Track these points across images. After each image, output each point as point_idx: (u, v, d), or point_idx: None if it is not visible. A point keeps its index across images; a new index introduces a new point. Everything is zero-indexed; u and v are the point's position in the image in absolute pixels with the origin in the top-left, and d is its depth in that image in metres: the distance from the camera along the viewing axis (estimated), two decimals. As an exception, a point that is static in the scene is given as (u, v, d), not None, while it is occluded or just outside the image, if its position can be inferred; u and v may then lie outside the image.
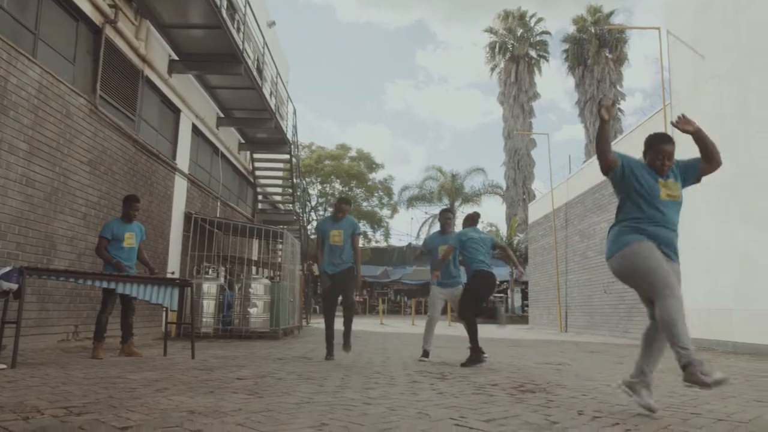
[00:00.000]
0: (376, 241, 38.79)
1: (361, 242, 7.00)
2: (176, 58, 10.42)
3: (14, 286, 5.13)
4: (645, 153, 3.66)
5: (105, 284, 5.96)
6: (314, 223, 34.59)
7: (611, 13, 38.47)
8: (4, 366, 4.81)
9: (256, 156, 16.10)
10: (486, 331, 8.33)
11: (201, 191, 12.12)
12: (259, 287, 10.45)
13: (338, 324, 6.61)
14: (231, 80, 11.50)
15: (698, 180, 3.68)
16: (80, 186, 7.53)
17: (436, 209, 39.50)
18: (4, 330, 5.13)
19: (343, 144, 37.85)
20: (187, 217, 11.09)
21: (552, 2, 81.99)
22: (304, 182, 29.20)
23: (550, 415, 3.37)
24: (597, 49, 37.22)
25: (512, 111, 39.02)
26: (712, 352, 8.83)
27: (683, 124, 3.59)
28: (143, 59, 9.24)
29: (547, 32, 41.33)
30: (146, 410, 3.19)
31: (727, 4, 10.50)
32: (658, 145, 3.58)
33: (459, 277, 6.88)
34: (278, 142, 15.14)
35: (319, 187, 36.47)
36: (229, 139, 14.10)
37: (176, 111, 10.94)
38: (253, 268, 13.38)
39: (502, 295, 31.32)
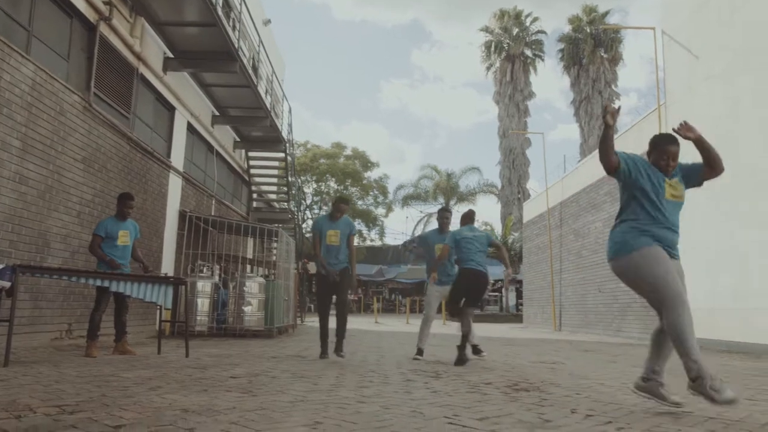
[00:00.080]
0: (371, 240, 38.82)
1: (356, 241, 6.98)
2: (171, 55, 10.38)
3: (7, 284, 5.11)
4: (649, 153, 3.69)
5: (99, 282, 5.93)
6: (309, 222, 34.56)
7: (606, 13, 38.67)
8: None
9: (251, 154, 16.06)
10: (482, 329, 8.36)
11: (196, 189, 12.09)
12: (253, 285, 10.44)
13: (333, 323, 6.62)
14: (226, 78, 11.47)
15: (700, 184, 3.72)
16: (74, 184, 7.50)
17: (431, 208, 39.56)
18: (-4, 328, 5.11)
19: (338, 142, 37.87)
20: (182, 215, 11.07)
21: (548, 2, 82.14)
22: (299, 181, 29.16)
23: (543, 413, 3.38)
24: (592, 49, 37.33)
25: (507, 110, 39.09)
26: (706, 351, 8.87)
27: (684, 130, 3.60)
28: (138, 57, 9.20)
29: (542, 32, 41.43)
30: (139, 409, 3.18)
31: (721, 5, 10.54)
32: (663, 145, 3.61)
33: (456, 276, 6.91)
34: (273, 140, 15.11)
35: (315, 185, 36.43)
36: (224, 137, 14.07)
37: (171, 109, 10.90)
38: (248, 267, 13.35)
39: (497, 293, 31.37)
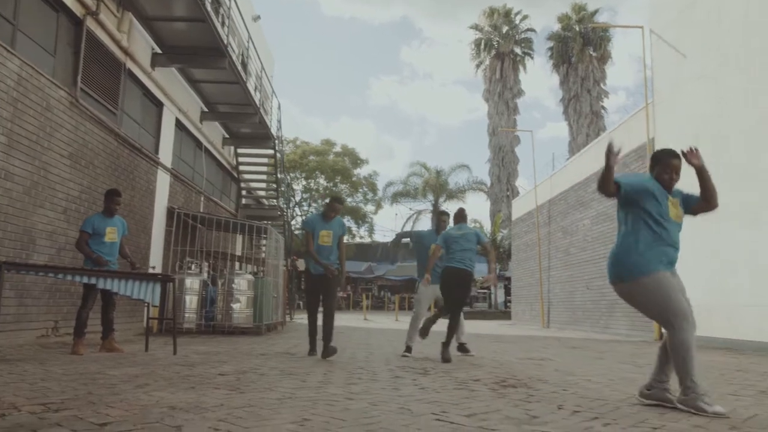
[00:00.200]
0: (361, 237, 38.78)
1: (345, 239, 6.94)
2: (159, 51, 10.30)
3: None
4: (652, 167, 3.73)
5: (85, 279, 5.89)
6: (298, 219, 34.47)
7: (596, 12, 38.84)
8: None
9: (240, 151, 15.99)
10: (471, 326, 8.37)
11: (184, 186, 12.02)
12: (242, 283, 10.41)
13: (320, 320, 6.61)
14: (215, 74, 11.40)
15: (693, 214, 3.75)
16: (60, 180, 7.43)
17: (420, 205, 39.61)
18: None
19: (327, 139, 37.71)
20: (170, 211, 11.00)
21: (537, 0, 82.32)
22: (288, 177, 29.07)
23: (530, 409, 3.40)
24: (581, 47, 37.47)
25: (497, 108, 39.16)
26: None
27: (691, 156, 3.63)
28: (125, 52, 9.12)
29: (532, 30, 41.49)
30: (126, 406, 3.16)
31: (709, 5, 10.63)
32: (666, 159, 3.66)
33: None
34: (262, 137, 15.06)
35: (304, 182, 36.31)
36: (212, 133, 14.00)
37: (159, 105, 10.82)
38: (237, 264, 13.30)
39: (485, 291, 31.49)
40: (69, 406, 3.14)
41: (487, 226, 35.40)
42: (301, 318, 17.76)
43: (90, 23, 8.05)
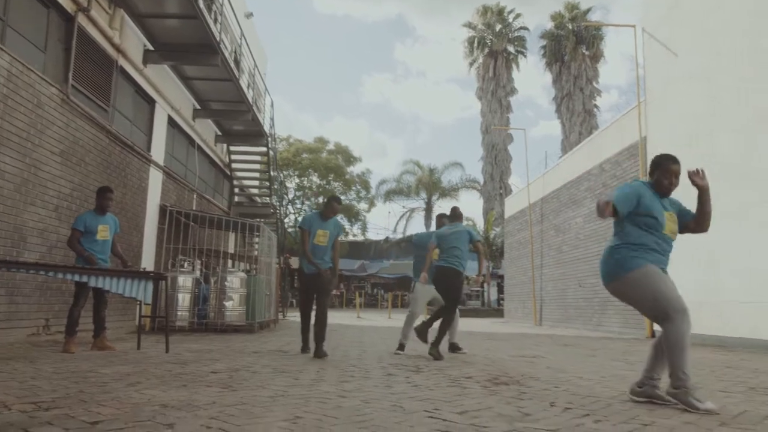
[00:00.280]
0: (354, 235, 38.74)
1: (339, 238, 6.87)
2: (151, 48, 10.25)
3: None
4: (652, 172, 3.73)
5: (77, 277, 5.86)
6: (291, 217, 34.40)
7: (588, 10, 38.94)
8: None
9: (232, 148, 15.94)
10: (463, 324, 8.39)
11: (176, 183, 11.98)
12: (235, 280, 10.38)
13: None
14: (208, 71, 11.35)
15: (681, 232, 3.76)
16: (51, 177, 7.38)
17: (413, 203, 39.67)
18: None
19: (321, 137, 37.62)
20: (162, 209, 10.95)
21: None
22: (281, 175, 28.98)
23: (522, 407, 3.42)
24: (574, 46, 37.60)
25: (490, 106, 39.24)
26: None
27: (695, 175, 3.63)
28: (117, 49, 9.07)
29: (525, 28, 41.64)
30: (117, 404, 3.15)
31: (699, 4, 10.69)
32: (666, 164, 3.66)
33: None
34: (255, 134, 15.01)
35: (297, 180, 36.22)
36: (205, 131, 13.94)
37: (151, 102, 10.77)
38: (230, 261, 13.26)
39: (478, 288, 31.55)
40: (60, 404, 3.13)
41: (480, 224, 35.47)
42: (294, 316, 17.75)
43: (81, 19, 7.99)
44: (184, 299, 10.09)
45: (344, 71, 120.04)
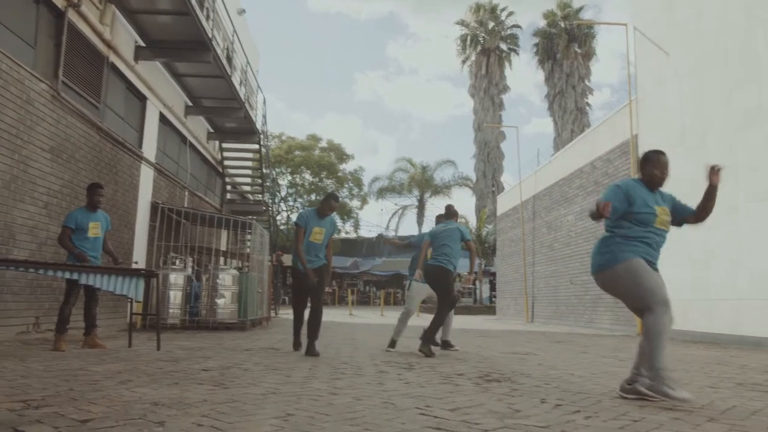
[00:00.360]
0: (346, 232, 38.76)
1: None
2: (143, 44, 10.19)
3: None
4: (643, 166, 3.81)
5: (67, 275, 5.82)
6: (284, 214, 34.34)
7: (581, 9, 38.99)
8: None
9: (224, 145, 15.89)
10: (456, 321, 8.42)
11: (168, 180, 11.92)
12: (227, 278, 10.35)
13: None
14: (200, 68, 11.30)
15: (679, 225, 3.87)
16: (41, 174, 7.33)
17: (406, 201, 39.73)
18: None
19: (313, 134, 37.57)
20: (154, 206, 10.91)
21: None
22: (273, 173, 28.91)
23: (513, 403, 3.43)
24: (566, 44, 37.68)
25: (482, 103, 39.29)
26: (670, 341, 9.08)
27: (714, 175, 3.70)
28: (108, 45, 9.01)
29: (517, 26, 41.75)
30: (108, 402, 3.14)
31: (690, 4, 10.74)
32: (656, 157, 3.78)
33: None
34: (247, 131, 14.97)
35: (289, 177, 36.18)
36: (197, 128, 13.89)
37: (143, 99, 10.71)
38: (221, 259, 13.23)
39: (470, 286, 31.64)
40: (50, 402, 3.11)
41: (473, 222, 35.56)
42: (287, 313, 17.74)
43: (71, 15, 7.93)
44: (175, 297, 10.06)
45: (337, 69, 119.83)
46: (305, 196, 35.70)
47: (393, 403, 3.34)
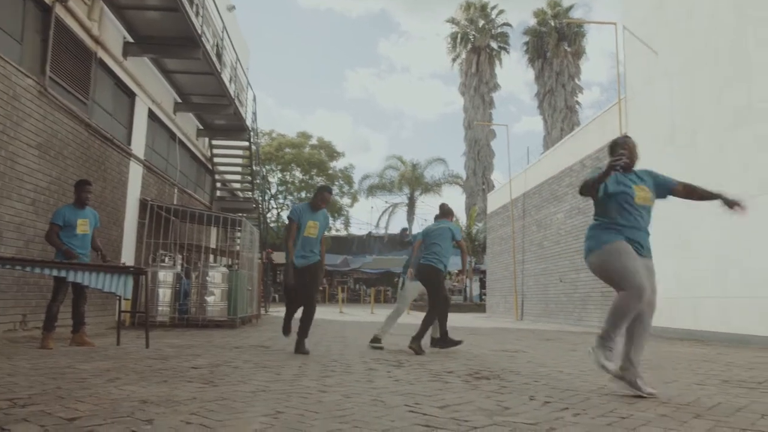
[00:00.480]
0: (337, 230, 38.72)
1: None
2: (132, 40, 10.11)
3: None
4: (612, 152, 3.96)
5: (55, 272, 5.78)
6: (274, 212, 34.23)
7: (571, 7, 39.13)
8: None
9: (214, 142, 15.81)
10: (449, 319, 8.48)
11: (157, 178, 11.85)
12: (216, 275, 10.32)
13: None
14: (189, 65, 11.23)
15: (664, 197, 4.00)
16: (28, 171, 7.26)
17: (396, 198, 39.73)
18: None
19: (303, 132, 37.52)
20: (143, 203, 10.83)
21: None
22: (263, 170, 28.80)
23: (502, 401, 3.45)
24: (556, 43, 37.81)
25: (473, 102, 39.36)
26: (658, 339, 9.16)
27: (739, 208, 3.88)
28: (96, 41, 8.93)
29: (508, 24, 41.88)
30: (96, 400, 3.12)
31: (679, 3, 10.81)
32: (623, 140, 4.01)
33: None
34: (237, 128, 14.90)
35: (280, 175, 36.09)
36: (186, 125, 13.80)
37: (131, 95, 10.63)
38: (211, 256, 13.17)
39: (460, 285, 31.72)
40: (37, 401, 3.08)
41: (463, 220, 35.64)
42: (277, 311, 17.70)
43: (59, 10, 7.85)
44: (164, 294, 10.01)
45: (328, 66, 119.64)
46: (295, 194, 35.62)
47: (382, 401, 3.34)
